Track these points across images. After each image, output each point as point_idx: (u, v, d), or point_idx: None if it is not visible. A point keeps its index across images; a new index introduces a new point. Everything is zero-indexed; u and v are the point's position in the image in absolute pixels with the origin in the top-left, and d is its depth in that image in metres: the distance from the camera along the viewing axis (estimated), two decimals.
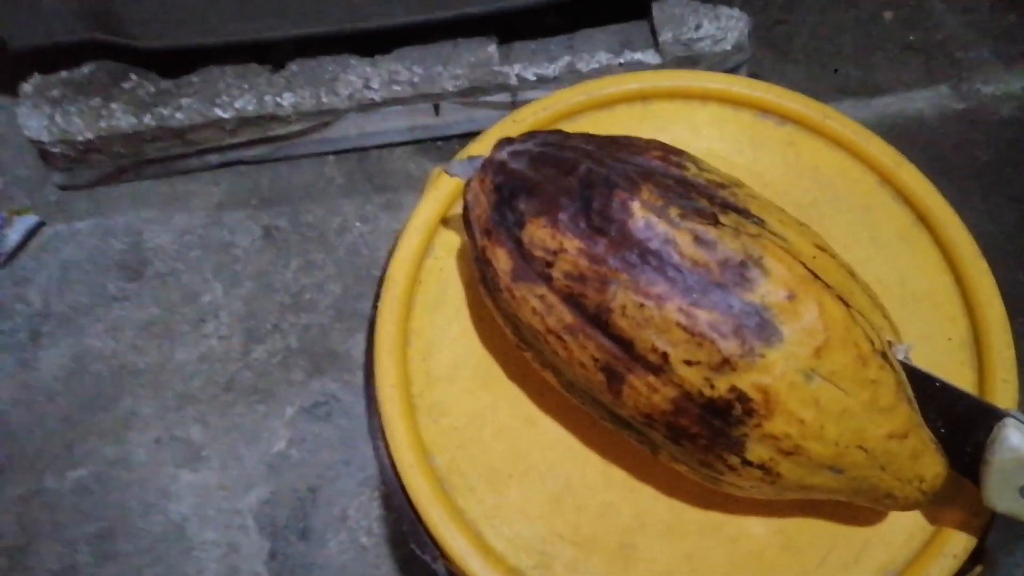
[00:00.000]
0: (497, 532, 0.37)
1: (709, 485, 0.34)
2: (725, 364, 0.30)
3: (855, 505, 0.35)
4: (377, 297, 0.42)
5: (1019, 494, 0.31)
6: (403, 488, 0.37)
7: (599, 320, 0.32)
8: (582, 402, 0.36)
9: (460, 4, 0.80)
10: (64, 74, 0.84)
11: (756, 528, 0.36)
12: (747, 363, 0.30)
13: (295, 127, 0.84)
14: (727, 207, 0.32)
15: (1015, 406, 0.37)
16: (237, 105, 0.82)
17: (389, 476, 0.39)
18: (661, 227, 0.31)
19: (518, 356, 0.40)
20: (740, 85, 0.46)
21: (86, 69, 0.84)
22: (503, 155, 0.36)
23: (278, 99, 0.82)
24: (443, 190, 0.44)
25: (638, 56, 0.83)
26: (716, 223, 0.31)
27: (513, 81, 0.84)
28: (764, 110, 0.46)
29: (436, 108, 0.86)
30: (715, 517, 0.37)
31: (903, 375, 0.32)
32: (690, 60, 0.83)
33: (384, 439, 0.39)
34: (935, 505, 0.36)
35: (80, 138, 0.82)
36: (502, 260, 0.34)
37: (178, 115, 0.82)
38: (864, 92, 0.88)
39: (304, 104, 0.83)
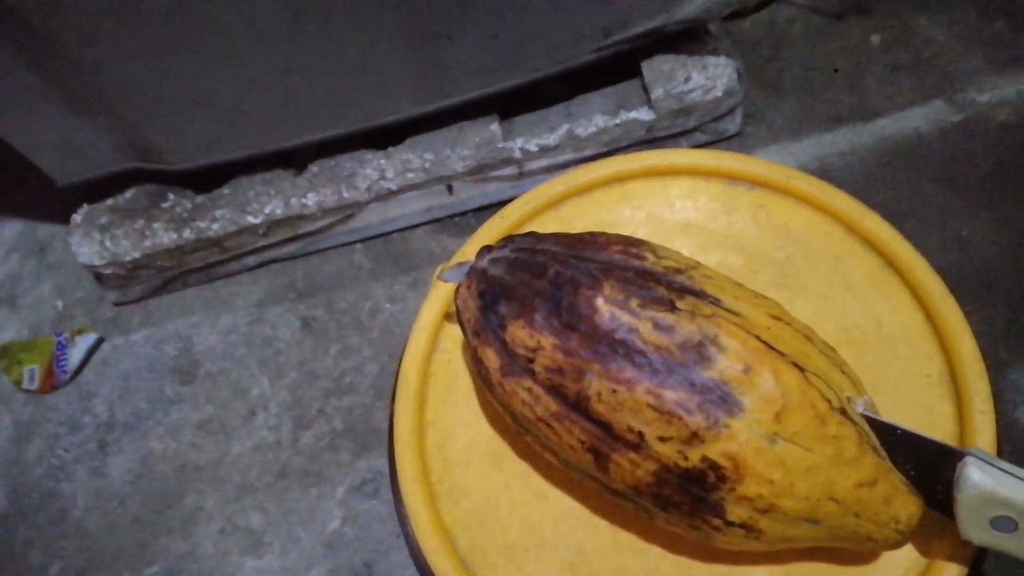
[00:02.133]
0: None
1: (705, 543, 0.37)
2: (694, 437, 0.33)
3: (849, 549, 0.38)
4: (394, 394, 0.46)
5: (990, 526, 0.33)
6: (430, 571, 0.41)
7: (580, 407, 0.35)
8: (581, 478, 0.39)
9: (461, 91, 0.86)
10: (109, 201, 0.91)
11: None
12: (714, 434, 0.33)
13: (321, 223, 0.90)
14: (684, 291, 0.36)
15: (992, 435, 0.39)
16: (267, 210, 0.89)
17: (418, 560, 0.42)
18: (624, 318, 0.35)
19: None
20: (708, 158, 0.50)
21: (128, 194, 0.92)
22: (484, 263, 0.40)
23: (303, 200, 0.89)
24: (443, 289, 0.48)
25: (633, 115, 0.88)
26: (673, 309, 0.35)
27: (517, 155, 0.88)
28: (733, 178, 0.49)
29: (449, 188, 0.91)
30: (721, 570, 0.39)
31: (866, 427, 0.35)
32: (684, 111, 0.87)
33: (410, 526, 0.42)
34: (926, 540, 0.38)
35: (128, 258, 0.89)
36: (491, 359, 0.38)
37: (214, 226, 0.89)
38: (860, 117, 0.90)
39: (327, 201, 0.89)
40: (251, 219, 0.89)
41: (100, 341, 0.91)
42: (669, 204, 0.50)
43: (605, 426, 0.35)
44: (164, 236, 0.89)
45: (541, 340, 0.36)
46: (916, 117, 0.89)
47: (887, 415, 0.36)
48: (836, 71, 0.88)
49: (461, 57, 0.81)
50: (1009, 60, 0.90)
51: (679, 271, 0.37)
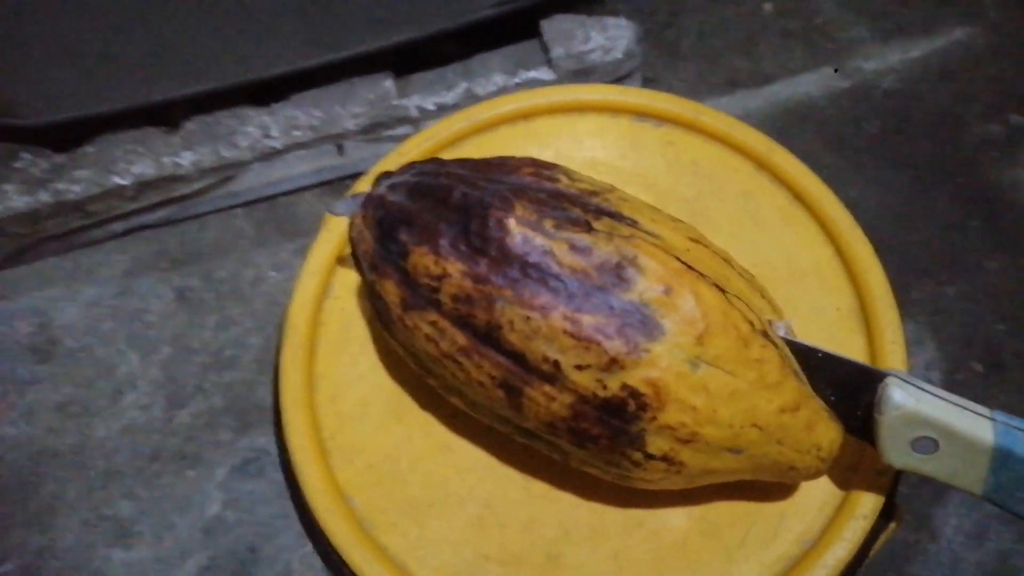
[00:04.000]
0: (422, 563, 0.36)
1: (622, 483, 0.35)
2: (613, 364, 0.31)
3: (768, 483, 0.36)
4: (279, 345, 0.42)
5: (911, 448, 0.32)
6: (323, 535, 0.37)
7: (490, 338, 0.32)
8: (490, 421, 0.36)
9: (352, 44, 0.81)
10: None
11: (676, 519, 0.37)
12: (634, 360, 0.30)
13: (197, 185, 0.83)
14: (600, 213, 0.33)
15: (904, 366, 0.39)
16: (135, 170, 0.81)
17: (309, 524, 0.38)
18: (538, 240, 0.32)
19: (427, 384, 0.40)
20: (615, 93, 0.48)
21: None
22: (382, 189, 0.36)
23: (177, 159, 0.81)
24: (335, 230, 0.44)
25: (532, 74, 0.85)
26: (590, 230, 0.32)
27: (413, 113, 0.84)
28: (641, 114, 0.47)
29: (340, 148, 0.86)
30: (636, 514, 0.37)
31: (787, 350, 0.33)
32: (583, 72, 0.85)
33: (300, 486, 0.38)
34: (842, 472, 0.37)
35: None
36: (391, 292, 0.34)
37: (75, 188, 0.80)
38: (753, 82, 0.91)
39: (204, 161, 0.82)
40: (117, 180, 0.81)
41: None
42: (577, 142, 0.47)
43: (518, 357, 0.32)
44: (16, 199, 0.80)
45: (447, 267, 0.32)
46: (807, 83, 0.91)
47: None
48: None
49: (356, 9, 0.76)
50: (893, 30, 0.93)
51: (594, 193, 0.34)
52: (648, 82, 0.91)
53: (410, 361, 0.37)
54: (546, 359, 0.31)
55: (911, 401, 0.31)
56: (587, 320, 0.31)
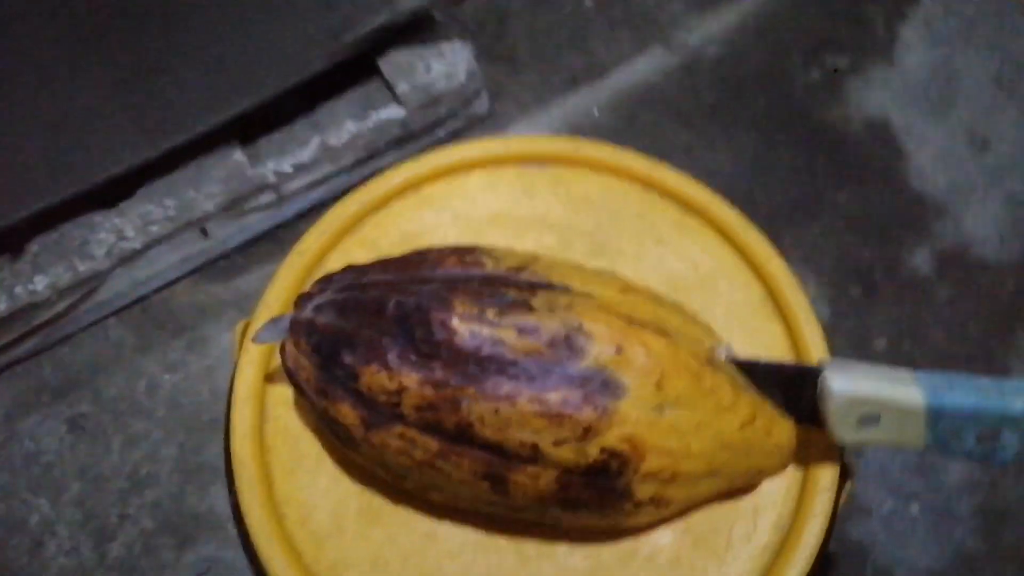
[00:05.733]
0: None
1: (616, 529, 0.36)
2: (588, 431, 0.32)
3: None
4: (231, 483, 0.40)
5: (858, 424, 0.36)
6: None
7: (463, 437, 0.33)
8: (475, 508, 0.36)
9: (193, 125, 0.77)
10: None
11: (664, 539, 0.39)
12: (606, 422, 0.32)
13: (60, 306, 0.78)
14: (534, 287, 0.34)
15: (822, 341, 0.43)
16: None
17: None
18: (485, 332, 0.32)
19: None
20: (495, 145, 0.49)
21: None
22: (307, 312, 0.35)
23: (30, 286, 0.75)
24: (254, 350, 0.42)
25: (383, 114, 0.84)
26: (531, 309, 0.33)
27: (271, 179, 0.82)
28: (524, 160, 0.49)
29: (203, 231, 0.82)
30: (628, 545, 0.39)
31: (732, 370, 0.36)
32: (432, 102, 0.85)
33: None
34: (797, 454, 0.40)
35: None
36: (348, 415, 0.34)
37: None
38: (592, 77, 0.94)
39: (60, 281, 0.76)
40: None
41: None
42: (470, 200, 0.48)
43: (496, 448, 0.33)
44: None
45: (403, 380, 0.33)
46: (641, 66, 0.95)
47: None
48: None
49: (186, 88, 0.73)
50: (707, 1, 0.99)
51: (521, 268, 0.35)
52: (495, 97, 0.92)
53: (380, 472, 0.37)
54: (523, 444, 0.32)
55: (850, 387, 0.35)
56: (553, 397, 0.32)
